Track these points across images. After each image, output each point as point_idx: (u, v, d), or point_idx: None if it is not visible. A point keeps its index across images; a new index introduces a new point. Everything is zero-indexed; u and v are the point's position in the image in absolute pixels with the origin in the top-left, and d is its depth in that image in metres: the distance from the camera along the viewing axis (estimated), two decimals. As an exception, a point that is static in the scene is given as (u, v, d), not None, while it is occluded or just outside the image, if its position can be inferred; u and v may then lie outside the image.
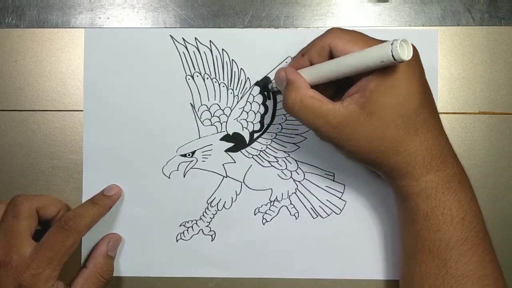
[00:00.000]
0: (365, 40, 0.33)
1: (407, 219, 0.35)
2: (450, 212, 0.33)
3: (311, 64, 0.35)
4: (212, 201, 0.42)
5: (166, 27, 0.42)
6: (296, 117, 0.35)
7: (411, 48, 0.29)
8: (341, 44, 0.33)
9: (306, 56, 0.35)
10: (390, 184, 0.36)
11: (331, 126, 0.33)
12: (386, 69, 0.31)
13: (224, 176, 0.42)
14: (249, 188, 0.42)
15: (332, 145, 0.35)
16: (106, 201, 0.40)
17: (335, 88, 0.36)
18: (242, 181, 0.42)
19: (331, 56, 0.34)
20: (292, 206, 0.42)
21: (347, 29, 0.34)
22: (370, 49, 0.30)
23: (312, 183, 0.42)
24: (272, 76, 0.41)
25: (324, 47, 0.34)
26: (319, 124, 0.33)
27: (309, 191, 0.42)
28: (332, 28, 0.34)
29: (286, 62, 0.41)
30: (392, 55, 0.29)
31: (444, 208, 0.33)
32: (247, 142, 0.41)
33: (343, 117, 0.33)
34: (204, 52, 0.41)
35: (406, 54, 0.29)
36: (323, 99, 0.34)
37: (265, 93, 0.41)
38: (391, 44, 0.29)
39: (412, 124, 0.32)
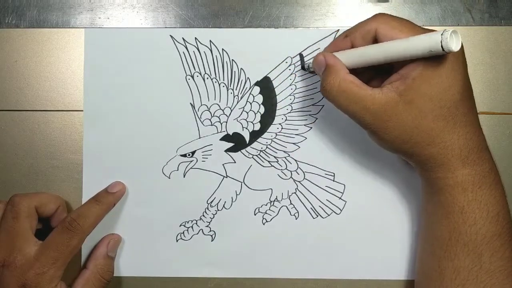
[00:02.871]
0: (411, 28, 0.32)
1: (439, 213, 0.35)
2: (486, 207, 0.33)
3: (352, 47, 0.35)
4: (212, 201, 0.42)
5: (166, 27, 0.42)
6: (333, 101, 0.34)
7: (460, 39, 0.29)
8: (388, 29, 0.32)
9: (349, 38, 0.35)
10: (422, 175, 0.36)
11: (368, 112, 0.33)
12: (432, 58, 0.31)
13: (224, 176, 0.42)
14: (249, 188, 0.42)
15: (366, 132, 0.34)
16: (110, 198, 0.40)
17: (367, 75, 0.36)
18: (242, 181, 0.42)
19: (375, 41, 0.34)
20: (292, 206, 0.42)
21: (394, 16, 0.34)
22: (418, 37, 0.30)
23: (312, 183, 0.42)
24: (272, 76, 0.41)
25: (370, 31, 0.33)
26: (356, 109, 0.33)
27: (309, 191, 0.42)
28: (379, 13, 0.34)
29: (286, 62, 0.41)
30: (441, 46, 0.29)
31: (480, 203, 0.33)
32: (247, 142, 0.41)
33: (381, 104, 0.32)
34: (204, 52, 0.41)
35: (454, 45, 0.29)
36: (361, 84, 0.33)
37: (265, 93, 0.41)
38: (441, 35, 0.29)
39: (451, 117, 0.32)
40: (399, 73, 0.33)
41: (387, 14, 0.34)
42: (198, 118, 0.41)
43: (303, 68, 0.41)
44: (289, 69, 0.41)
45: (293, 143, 0.41)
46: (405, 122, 0.32)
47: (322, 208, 0.42)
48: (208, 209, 0.42)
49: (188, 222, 0.42)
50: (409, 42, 0.31)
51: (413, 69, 0.32)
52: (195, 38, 0.41)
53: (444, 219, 0.34)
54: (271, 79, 0.41)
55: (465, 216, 0.33)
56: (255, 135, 0.41)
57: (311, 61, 0.39)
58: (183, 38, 0.41)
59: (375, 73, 0.37)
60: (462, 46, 0.32)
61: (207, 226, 0.42)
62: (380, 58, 0.33)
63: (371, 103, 0.32)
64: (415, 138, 0.33)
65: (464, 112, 0.33)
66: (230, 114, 0.41)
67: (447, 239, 0.34)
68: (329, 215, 0.42)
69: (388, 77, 0.34)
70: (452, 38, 0.29)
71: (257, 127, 0.41)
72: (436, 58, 0.31)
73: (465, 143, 0.33)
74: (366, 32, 0.34)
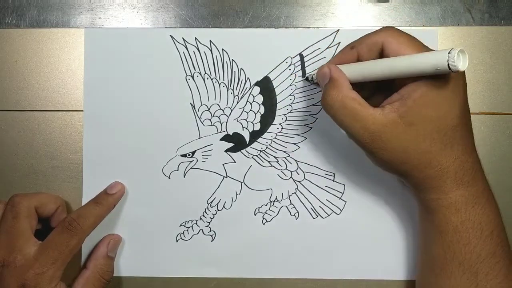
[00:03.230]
0: (419, 46, 0.32)
1: (434, 232, 0.35)
2: (480, 226, 0.33)
3: (358, 59, 0.34)
4: (212, 201, 0.42)
5: (166, 27, 0.42)
6: (333, 116, 0.34)
7: (467, 59, 0.29)
8: (395, 44, 0.32)
9: (356, 49, 0.34)
10: (416, 196, 0.36)
11: (367, 132, 0.32)
12: (433, 80, 0.31)
13: (224, 176, 0.42)
14: (249, 188, 0.42)
15: (364, 151, 0.34)
16: (109, 199, 0.40)
17: (371, 90, 0.36)
18: (242, 181, 0.42)
19: (381, 55, 0.33)
20: (292, 206, 0.42)
21: (403, 31, 0.33)
22: (425, 54, 0.30)
23: (312, 183, 0.42)
24: (272, 76, 0.41)
25: (377, 43, 0.33)
26: (356, 127, 0.33)
27: (309, 191, 0.42)
28: (388, 27, 0.34)
29: (286, 62, 0.41)
30: (448, 64, 0.28)
31: (474, 222, 0.33)
32: (247, 142, 0.41)
33: (381, 125, 0.32)
34: (204, 52, 0.41)
35: (461, 64, 0.29)
36: (363, 103, 0.33)
37: (265, 93, 0.41)
38: (448, 53, 0.28)
39: (449, 140, 0.32)
40: (399, 93, 0.32)
41: (395, 28, 0.34)
42: (198, 118, 0.41)
43: (306, 79, 0.40)
44: (289, 69, 0.41)
45: (293, 143, 0.41)
46: (404, 143, 0.32)
47: (322, 208, 0.42)
48: (208, 209, 0.42)
49: (188, 222, 0.42)
50: (415, 59, 0.30)
51: (414, 90, 0.31)
52: (195, 38, 0.41)
53: (438, 238, 0.34)
54: (271, 79, 0.41)
55: (459, 236, 0.33)
56: (255, 135, 0.41)
57: (314, 72, 0.38)
58: (183, 38, 0.41)
59: (376, 89, 0.36)
60: None
61: (207, 226, 0.42)
62: (384, 74, 0.32)
63: (371, 122, 0.32)
64: (413, 160, 0.33)
65: (462, 135, 0.33)
66: (230, 114, 0.41)
67: (442, 258, 0.34)
68: (329, 215, 0.42)
69: (389, 93, 0.33)
70: (459, 57, 0.29)
71: (257, 127, 0.41)
72: (438, 80, 0.31)
73: (460, 165, 0.33)
74: (373, 44, 0.33)
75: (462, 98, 0.32)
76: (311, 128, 0.41)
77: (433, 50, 0.32)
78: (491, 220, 0.33)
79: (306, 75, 0.41)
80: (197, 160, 0.41)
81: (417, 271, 0.39)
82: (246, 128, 0.41)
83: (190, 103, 0.41)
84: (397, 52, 0.32)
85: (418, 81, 0.31)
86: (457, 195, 0.33)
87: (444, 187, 0.33)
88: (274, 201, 0.42)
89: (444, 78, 0.31)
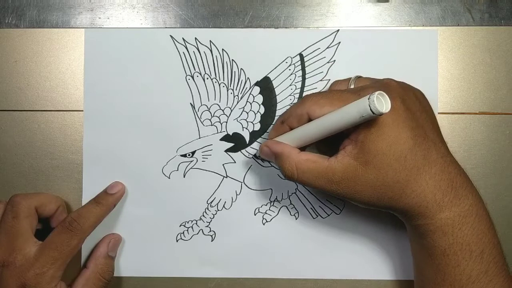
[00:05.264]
0: (341, 99, 0.33)
1: (423, 254, 0.34)
2: (468, 247, 0.32)
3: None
4: (212, 201, 0.42)
5: (166, 27, 0.42)
6: (301, 183, 0.35)
7: (388, 100, 0.29)
8: (319, 110, 0.33)
9: (286, 123, 0.36)
10: (405, 223, 0.36)
11: (334, 183, 0.33)
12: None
13: (224, 176, 0.42)
14: (249, 188, 0.42)
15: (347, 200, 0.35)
16: (110, 199, 0.40)
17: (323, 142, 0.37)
18: (242, 181, 0.42)
19: (310, 121, 0.34)
20: (292, 206, 0.42)
21: (322, 92, 0.35)
22: (347, 106, 0.31)
23: (312, 183, 0.42)
24: (272, 76, 0.41)
25: (302, 115, 0.34)
26: (322, 184, 0.34)
27: (309, 191, 0.42)
28: (307, 96, 0.35)
29: (286, 62, 0.41)
30: (371, 109, 0.29)
31: (462, 244, 0.32)
32: (247, 142, 0.41)
33: (341, 172, 0.33)
34: (204, 52, 0.41)
35: (384, 107, 0.29)
36: (317, 159, 0.34)
37: (265, 93, 0.41)
38: (368, 99, 0.29)
39: (412, 164, 0.32)
40: (349, 138, 0.33)
41: (314, 94, 0.35)
42: (198, 118, 0.41)
43: (254, 156, 0.41)
44: (289, 69, 0.41)
45: (293, 143, 0.41)
46: (370, 182, 0.32)
47: (322, 208, 0.42)
48: (208, 209, 0.42)
49: (188, 222, 0.42)
50: (340, 113, 0.31)
51: (359, 132, 0.32)
52: (195, 38, 0.41)
53: (428, 261, 0.34)
54: (271, 79, 0.41)
55: (448, 259, 0.33)
56: (255, 135, 0.41)
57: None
58: (183, 38, 0.41)
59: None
60: (403, 92, 0.33)
61: (207, 226, 0.42)
62: (319, 134, 0.33)
63: (331, 174, 0.33)
64: (387, 194, 0.33)
65: (424, 154, 0.32)
66: (230, 114, 0.41)
67: (433, 279, 0.34)
68: (329, 215, 0.42)
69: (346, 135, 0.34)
70: (380, 101, 0.29)
71: (257, 127, 0.41)
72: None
73: (435, 185, 0.32)
74: (299, 117, 0.35)
75: (408, 121, 0.32)
76: (311, 128, 0.41)
77: (359, 93, 0.33)
78: (481, 239, 0.33)
79: (255, 153, 0.41)
80: (197, 160, 0.41)
81: (414, 284, 0.38)
82: (246, 128, 0.41)
83: (190, 103, 0.41)
84: (323, 115, 0.33)
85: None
86: (443, 218, 0.32)
87: (427, 212, 0.33)
88: (274, 201, 0.42)
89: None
